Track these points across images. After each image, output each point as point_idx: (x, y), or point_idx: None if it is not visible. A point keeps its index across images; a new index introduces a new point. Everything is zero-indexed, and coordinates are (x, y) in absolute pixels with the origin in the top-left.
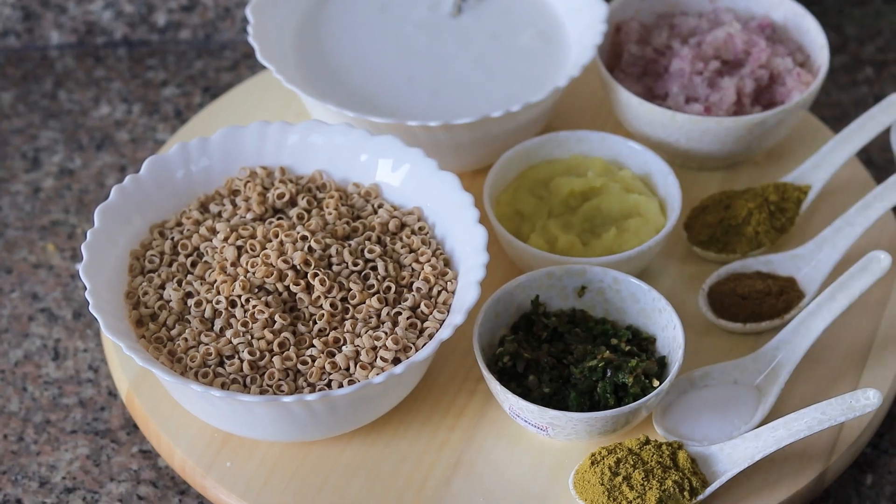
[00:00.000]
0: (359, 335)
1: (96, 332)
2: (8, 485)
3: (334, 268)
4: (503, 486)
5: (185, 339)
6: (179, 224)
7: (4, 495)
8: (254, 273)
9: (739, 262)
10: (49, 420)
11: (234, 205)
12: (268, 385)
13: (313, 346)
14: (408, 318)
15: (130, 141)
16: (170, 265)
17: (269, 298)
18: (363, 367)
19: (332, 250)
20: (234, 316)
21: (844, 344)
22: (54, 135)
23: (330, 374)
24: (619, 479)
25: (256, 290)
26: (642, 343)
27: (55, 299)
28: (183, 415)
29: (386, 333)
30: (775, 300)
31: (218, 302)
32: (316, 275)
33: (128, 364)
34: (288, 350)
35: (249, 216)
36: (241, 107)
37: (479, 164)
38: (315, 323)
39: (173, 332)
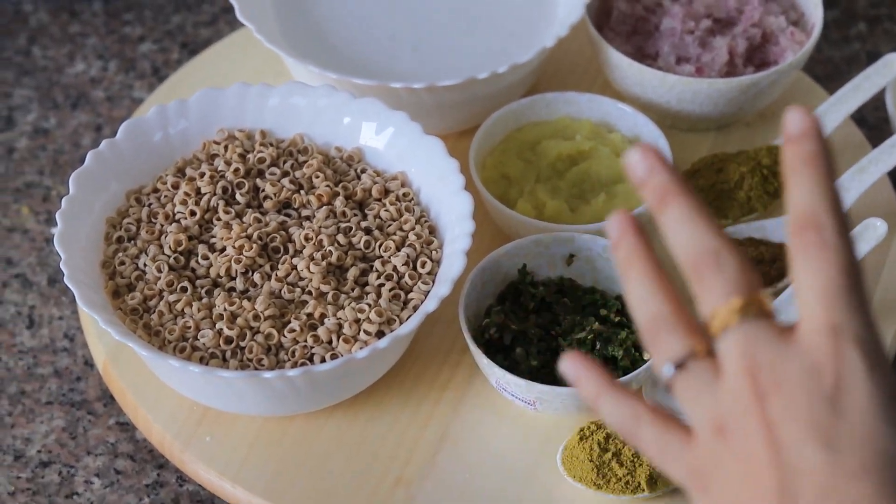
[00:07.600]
0: (341, 307)
1: (72, 299)
2: None
3: None
4: (490, 461)
5: (162, 312)
6: (156, 190)
7: None
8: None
9: (731, 228)
10: (24, 391)
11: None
12: (248, 359)
13: (295, 318)
14: (391, 290)
15: (106, 99)
16: (147, 233)
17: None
18: (346, 341)
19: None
20: None
21: None
22: (28, 93)
23: (312, 347)
24: (609, 455)
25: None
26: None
27: (30, 265)
28: (161, 387)
29: (369, 305)
30: (768, 268)
31: None
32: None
33: (104, 334)
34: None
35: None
36: (221, 64)
37: (463, 125)
38: None
39: (150, 304)
